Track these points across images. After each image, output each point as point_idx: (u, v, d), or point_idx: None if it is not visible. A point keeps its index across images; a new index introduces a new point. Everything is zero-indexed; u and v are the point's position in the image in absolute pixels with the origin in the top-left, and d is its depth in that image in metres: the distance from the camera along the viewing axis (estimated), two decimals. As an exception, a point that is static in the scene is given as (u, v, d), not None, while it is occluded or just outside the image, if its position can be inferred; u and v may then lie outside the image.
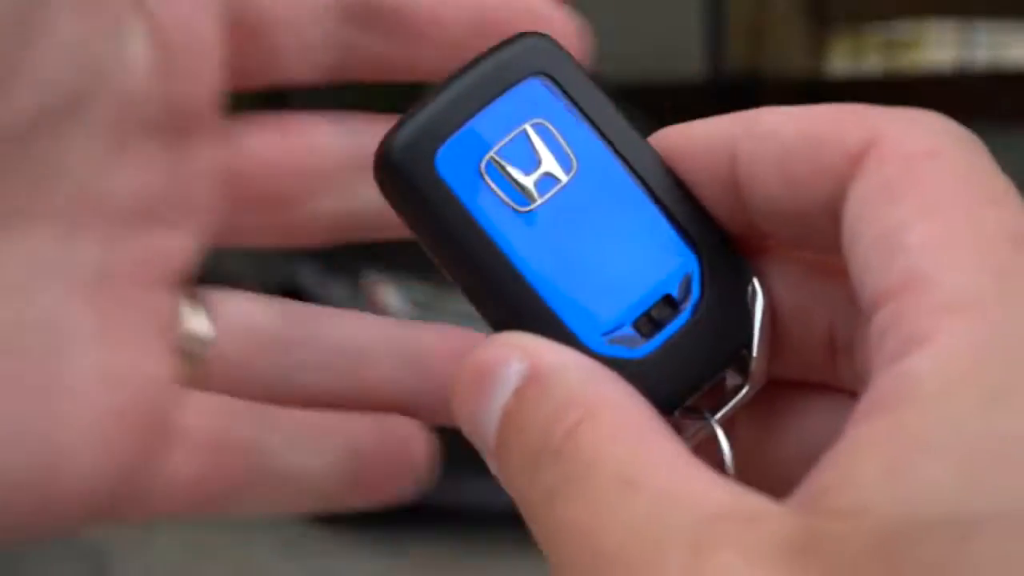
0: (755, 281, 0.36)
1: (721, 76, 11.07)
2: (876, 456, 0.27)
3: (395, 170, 0.34)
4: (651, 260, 0.35)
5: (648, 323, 0.35)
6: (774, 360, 0.36)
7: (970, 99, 8.06)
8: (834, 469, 0.28)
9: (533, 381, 0.31)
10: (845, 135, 0.32)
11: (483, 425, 0.32)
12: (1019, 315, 0.28)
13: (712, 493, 0.28)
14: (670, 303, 0.35)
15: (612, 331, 0.34)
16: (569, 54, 0.37)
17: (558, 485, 0.29)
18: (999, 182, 0.30)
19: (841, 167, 0.32)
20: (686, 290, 0.35)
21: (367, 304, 4.19)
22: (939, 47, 14.89)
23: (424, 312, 4.04)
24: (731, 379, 0.35)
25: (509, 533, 4.27)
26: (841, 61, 14.06)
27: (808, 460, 0.29)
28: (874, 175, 0.31)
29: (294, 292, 4.58)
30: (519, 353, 0.32)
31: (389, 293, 4.15)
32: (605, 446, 0.29)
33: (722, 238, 0.36)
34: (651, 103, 7.79)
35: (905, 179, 0.30)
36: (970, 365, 0.27)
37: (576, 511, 0.29)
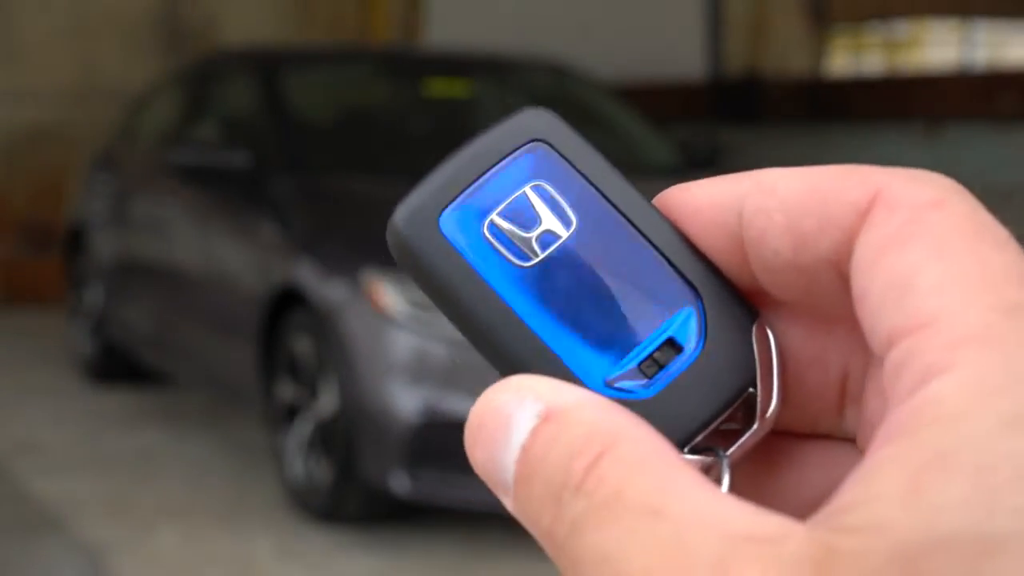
0: (760, 323, 0.37)
1: (721, 76, 11.07)
2: (897, 475, 0.28)
3: (401, 234, 0.37)
4: (654, 306, 0.37)
5: (652, 365, 0.36)
6: (785, 409, 0.37)
7: (970, 99, 8.05)
8: (855, 488, 0.29)
9: (549, 419, 0.32)
10: (851, 189, 0.33)
11: (500, 465, 0.33)
12: None
13: (735, 516, 0.29)
14: (674, 346, 0.36)
15: (616, 375, 0.36)
16: (568, 125, 0.39)
17: (583, 516, 0.30)
18: (1001, 230, 0.32)
19: (848, 220, 0.33)
20: (689, 333, 0.37)
21: (367, 304, 4.19)
22: (939, 47, 14.89)
23: (423, 312, 4.04)
24: (742, 418, 0.37)
25: (509, 533, 4.27)
26: (841, 61, 14.06)
27: (807, 508, 0.30)
28: (883, 224, 0.32)
29: (294, 292, 4.58)
30: (532, 394, 0.33)
31: (389, 293, 4.15)
32: (628, 477, 0.30)
33: (724, 284, 0.37)
34: (653, 103, 7.78)
35: (913, 227, 0.31)
36: (988, 391, 0.28)
37: (602, 539, 0.30)
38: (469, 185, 0.37)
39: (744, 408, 0.36)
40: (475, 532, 4.32)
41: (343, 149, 5.30)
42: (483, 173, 0.37)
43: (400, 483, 4.03)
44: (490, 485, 0.34)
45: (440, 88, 5.89)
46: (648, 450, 0.31)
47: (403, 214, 0.37)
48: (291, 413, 4.61)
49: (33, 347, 7.51)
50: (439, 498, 4.01)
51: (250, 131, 5.43)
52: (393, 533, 4.40)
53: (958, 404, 0.28)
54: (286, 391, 4.64)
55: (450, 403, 3.95)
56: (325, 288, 4.41)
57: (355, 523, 4.43)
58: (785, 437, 0.38)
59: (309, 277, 4.50)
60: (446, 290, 0.37)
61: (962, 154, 7.36)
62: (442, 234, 0.37)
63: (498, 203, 0.37)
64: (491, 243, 0.37)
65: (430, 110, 5.84)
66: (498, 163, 0.38)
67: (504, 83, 6.12)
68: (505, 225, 0.37)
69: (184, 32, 9.53)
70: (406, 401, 4.02)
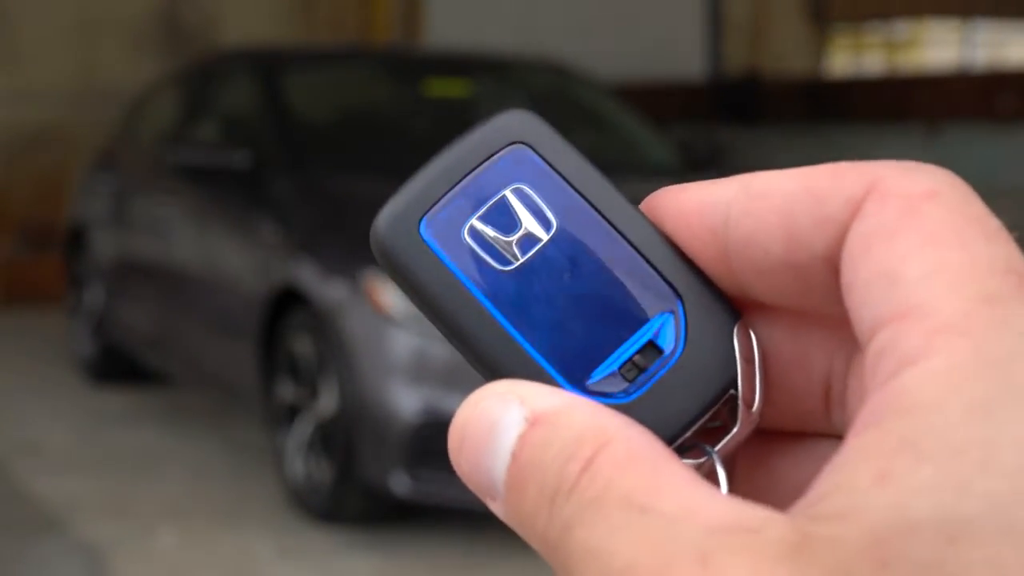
0: (742, 323, 0.37)
1: (721, 76, 11.07)
2: (869, 462, 0.29)
3: (382, 240, 0.37)
4: (634, 308, 0.37)
5: (632, 369, 0.36)
6: (773, 409, 0.37)
7: (970, 99, 8.05)
8: (829, 477, 0.29)
9: (537, 424, 0.32)
10: (846, 184, 0.33)
11: (488, 472, 0.33)
12: (1006, 336, 0.29)
13: (717, 509, 0.30)
14: (655, 348, 0.37)
15: (597, 379, 0.36)
16: (549, 126, 0.39)
17: (574, 516, 0.31)
18: (992, 222, 0.32)
19: (842, 215, 0.33)
20: (669, 335, 0.37)
21: (367, 304, 4.19)
22: (939, 47, 14.89)
23: (424, 312, 4.04)
24: (726, 418, 0.37)
25: (509, 533, 4.27)
26: (841, 61, 14.05)
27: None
28: (874, 215, 0.32)
29: (294, 292, 4.58)
30: (516, 399, 0.33)
31: (389, 293, 4.15)
32: (617, 475, 0.31)
33: (707, 286, 0.37)
34: (653, 103, 7.78)
35: (905, 217, 0.32)
36: (959, 379, 0.29)
37: (591, 536, 0.30)
38: (449, 190, 0.37)
39: (728, 408, 0.36)
40: (475, 532, 4.32)
41: (343, 149, 5.30)
42: (463, 177, 0.37)
43: (400, 483, 4.03)
44: (477, 492, 0.34)
45: (440, 88, 5.89)
46: (638, 448, 0.31)
47: (384, 219, 0.37)
48: (291, 413, 4.61)
49: (33, 347, 7.51)
50: (439, 498, 4.01)
51: (250, 131, 5.43)
52: (393, 533, 4.40)
53: (928, 392, 0.29)
54: (286, 391, 4.64)
55: (450, 403, 3.95)
56: (325, 288, 4.41)
57: (355, 523, 4.43)
58: (779, 436, 0.38)
59: (309, 277, 4.50)
60: (427, 296, 0.37)
61: (962, 154, 7.36)
62: (422, 240, 0.37)
63: (478, 207, 0.37)
64: (471, 248, 0.37)
65: (430, 110, 5.84)
66: (478, 167, 0.38)
67: (504, 83, 6.12)
68: (485, 229, 0.37)
69: (184, 32, 9.53)
70: (406, 401, 4.02)
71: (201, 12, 9.62)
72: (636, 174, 5.19)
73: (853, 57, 14.65)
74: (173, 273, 5.69)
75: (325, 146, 5.30)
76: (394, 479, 4.04)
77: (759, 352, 0.37)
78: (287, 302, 4.66)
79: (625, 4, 11.00)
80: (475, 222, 0.37)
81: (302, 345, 4.54)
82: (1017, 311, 0.30)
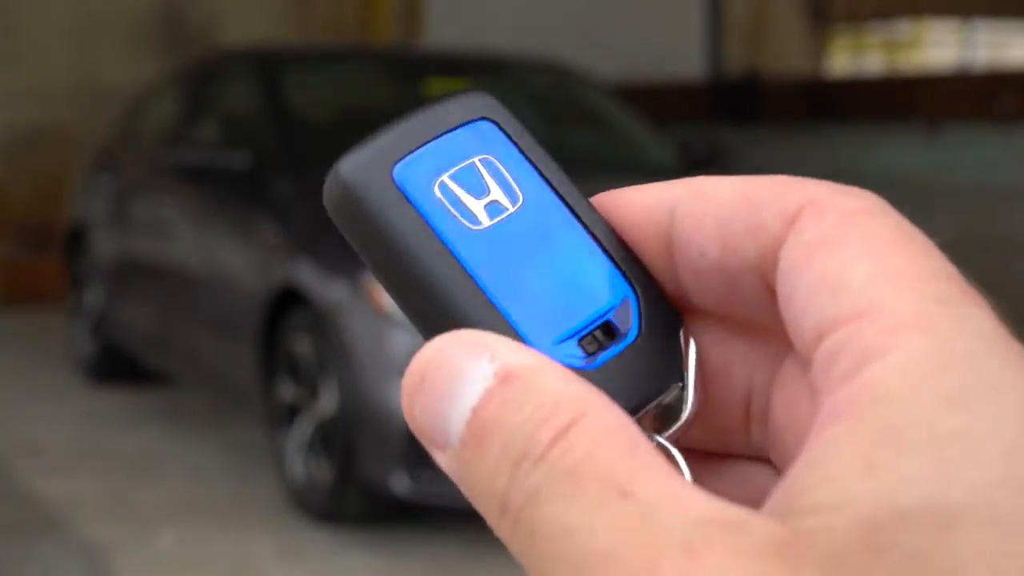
0: (686, 323, 0.37)
1: (721, 76, 11.07)
2: (849, 453, 0.29)
3: (346, 182, 0.36)
4: (593, 289, 0.37)
5: (592, 343, 0.36)
6: (694, 423, 0.37)
7: (970, 99, 8.05)
8: (808, 471, 0.29)
9: (509, 381, 0.31)
10: (782, 197, 0.34)
11: (442, 423, 0.32)
12: (963, 332, 0.30)
13: (699, 501, 0.29)
14: (609, 331, 0.37)
15: (560, 343, 0.36)
16: (513, 113, 0.39)
17: (545, 486, 0.30)
18: (924, 238, 0.33)
19: (776, 227, 0.34)
20: (625, 321, 0.37)
21: (367, 304, 4.19)
22: (939, 47, 14.89)
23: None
24: (658, 417, 0.37)
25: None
26: (841, 61, 14.06)
27: None
28: (812, 228, 0.33)
29: (294, 292, 4.58)
30: (487, 352, 0.32)
31: (389, 293, 4.15)
32: (595, 451, 0.30)
33: (655, 284, 0.37)
34: (652, 103, 7.78)
35: (844, 229, 0.32)
36: (928, 371, 0.29)
37: (565, 511, 0.29)
38: (420, 147, 0.37)
39: (661, 408, 0.36)
40: (475, 532, 4.32)
41: (343, 149, 5.22)
42: (433, 138, 0.37)
43: (400, 483, 4.03)
44: (423, 439, 0.32)
45: (440, 88, 5.89)
46: (614, 425, 0.30)
47: (349, 163, 0.37)
48: (291, 413, 4.61)
49: (33, 347, 7.51)
50: (439, 498, 4.01)
51: (250, 131, 5.43)
52: (393, 533, 4.40)
53: (900, 383, 0.29)
54: (286, 391, 4.65)
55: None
56: (325, 288, 4.41)
57: (355, 523, 4.43)
58: (701, 456, 0.38)
59: (309, 277, 4.51)
60: (395, 241, 0.36)
61: (962, 154, 7.36)
62: (395, 184, 0.36)
63: (449, 166, 0.37)
64: (442, 202, 0.36)
65: (430, 110, 5.83)
66: (448, 132, 0.37)
67: (504, 83, 6.12)
68: (456, 188, 0.37)
69: (185, 32, 9.53)
70: (406, 401, 4.02)
71: (201, 12, 9.62)
72: (636, 174, 5.19)
73: (853, 57, 14.65)
74: (173, 273, 5.69)
75: (325, 146, 5.30)
76: (394, 479, 4.04)
77: (695, 352, 0.37)
78: (287, 302, 4.66)
79: (625, 4, 11.00)
80: (446, 179, 0.37)
81: (302, 345, 4.54)
82: (967, 312, 0.30)
